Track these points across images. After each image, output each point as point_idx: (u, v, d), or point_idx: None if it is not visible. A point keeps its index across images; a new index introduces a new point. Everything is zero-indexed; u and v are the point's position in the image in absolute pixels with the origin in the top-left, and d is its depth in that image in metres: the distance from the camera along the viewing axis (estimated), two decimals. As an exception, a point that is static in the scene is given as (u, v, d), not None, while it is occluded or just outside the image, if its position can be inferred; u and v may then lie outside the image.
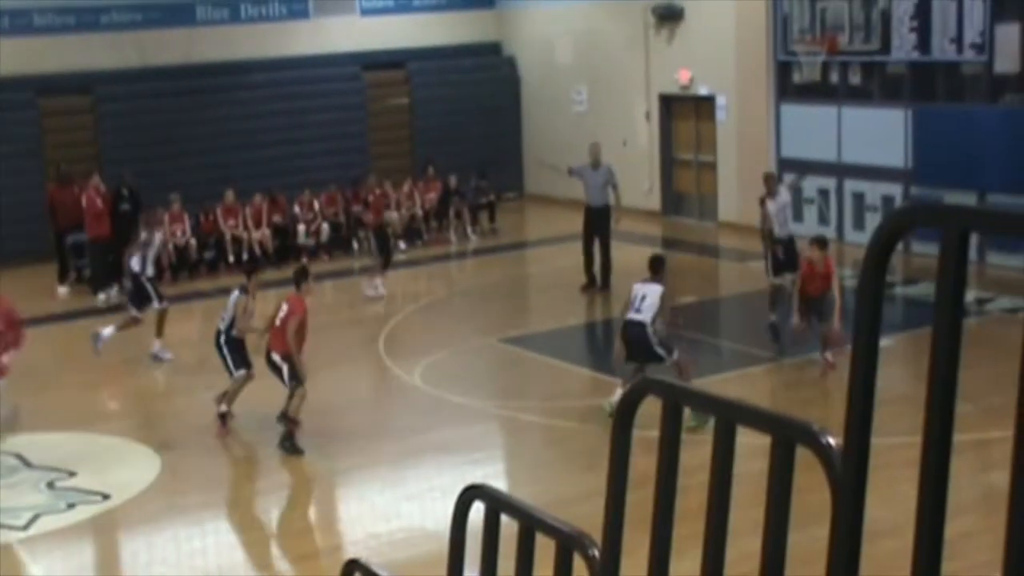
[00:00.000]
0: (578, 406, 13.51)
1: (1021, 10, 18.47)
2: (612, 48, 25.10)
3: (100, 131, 23.73)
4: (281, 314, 12.46)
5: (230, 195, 22.17)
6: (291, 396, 12.31)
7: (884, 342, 2.08)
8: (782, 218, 16.04)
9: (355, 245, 23.13)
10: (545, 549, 2.56)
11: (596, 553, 2.40)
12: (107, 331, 15.92)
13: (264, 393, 12.73)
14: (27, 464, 12.49)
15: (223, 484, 12.14)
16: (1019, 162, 17.98)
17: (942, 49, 19.27)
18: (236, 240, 22.13)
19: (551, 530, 2.54)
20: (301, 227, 22.65)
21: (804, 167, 21.73)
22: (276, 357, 12.41)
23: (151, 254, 16.51)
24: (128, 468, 12.27)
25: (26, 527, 10.93)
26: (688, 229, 23.72)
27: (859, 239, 20.37)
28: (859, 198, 20.92)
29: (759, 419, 2.04)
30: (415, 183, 24.28)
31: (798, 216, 22.04)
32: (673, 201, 24.77)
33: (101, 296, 20.22)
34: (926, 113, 19.60)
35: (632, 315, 12.62)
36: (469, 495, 2.84)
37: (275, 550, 10.91)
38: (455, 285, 21.06)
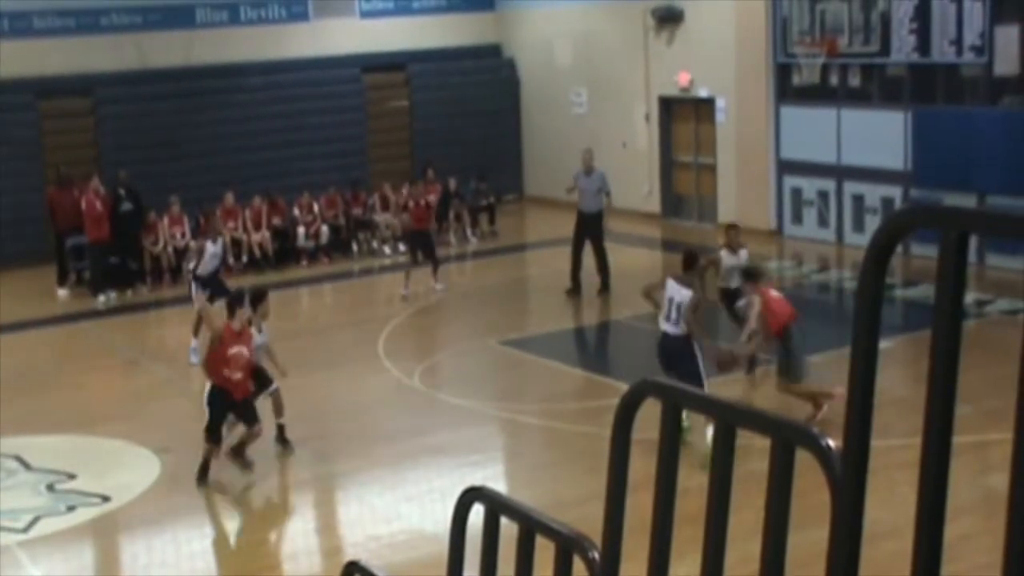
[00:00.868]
0: (577, 408, 13.51)
1: (1021, 12, 18.48)
2: (612, 50, 25.10)
3: (100, 133, 23.74)
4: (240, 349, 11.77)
5: (230, 197, 22.17)
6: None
7: (883, 344, 2.09)
8: (735, 273, 14.19)
9: (354, 247, 23.15)
10: (545, 551, 2.56)
11: (596, 555, 2.40)
12: (194, 342, 15.59)
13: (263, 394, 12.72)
14: (27, 466, 12.48)
15: (223, 487, 12.12)
16: (1018, 164, 17.98)
17: (942, 51, 19.28)
18: (235, 242, 22.13)
19: (551, 532, 2.54)
20: (301, 229, 22.65)
21: (803, 169, 21.75)
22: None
23: (206, 259, 16.04)
24: (128, 470, 12.26)
25: (26, 529, 10.92)
26: (687, 231, 23.71)
27: (859, 241, 20.37)
28: (859, 200, 20.93)
29: (759, 421, 2.04)
30: (415, 185, 24.26)
31: (798, 218, 22.07)
32: (672, 203, 24.77)
33: (101, 298, 20.24)
34: (926, 115, 19.60)
35: (665, 325, 11.81)
36: (469, 497, 2.84)
37: (275, 552, 10.90)
38: (454, 287, 21.03)
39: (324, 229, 22.83)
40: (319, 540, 11.02)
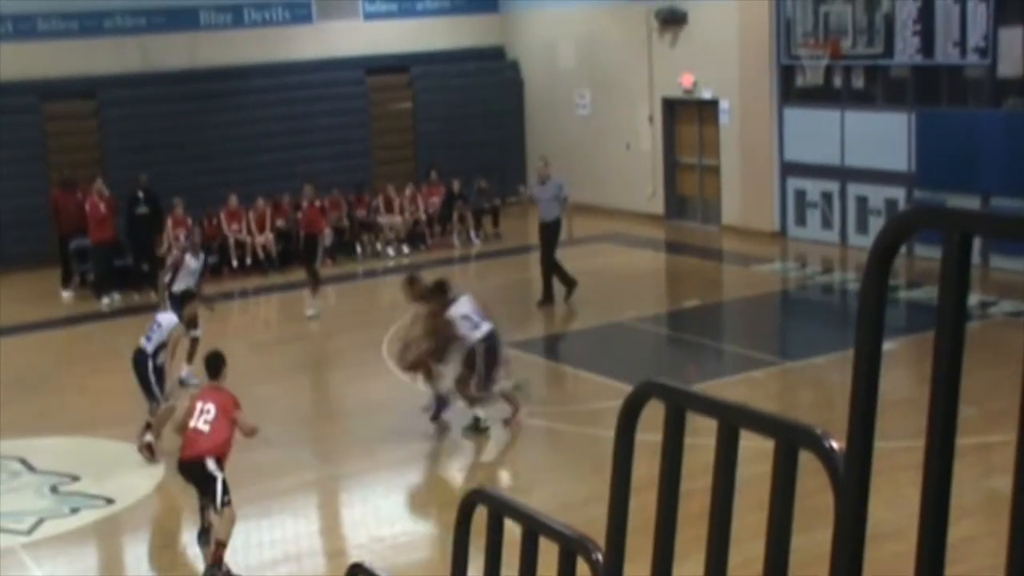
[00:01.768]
0: (582, 410, 13.50)
1: (1024, 14, 18.47)
2: (615, 52, 25.10)
3: (103, 135, 23.76)
4: (206, 416, 9.86)
5: (233, 199, 22.20)
6: (222, 515, 9.75)
7: (887, 345, 2.09)
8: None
9: (358, 249, 23.16)
10: (548, 553, 2.56)
11: (599, 557, 2.40)
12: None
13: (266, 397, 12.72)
14: (30, 468, 12.49)
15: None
16: (1022, 165, 17.96)
17: (945, 53, 19.27)
18: (239, 244, 22.15)
19: (554, 534, 2.54)
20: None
21: (807, 170, 21.74)
22: (211, 464, 9.72)
23: (182, 274, 15.18)
24: (132, 472, 12.27)
25: (30, 531, 10.93)
26: (691, 233, 23.72)
27: (862, 243, 20.36)
28: (862, 202, 20.92)
29: (762, 423, 2.04)
30: (418, 187, 24.29)
31: (802, 220, 22.06)
32: (676, 205, 24.77)
33: (105, 300, 20.27)
34: (929, 117, 19.59)
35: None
36: (472, 499, 2.84)
37: (278, 554, 10.90)
38: (458, 289, 21.05)
39: (328, 231, 22.81)
40: (322, 542, 11.03)
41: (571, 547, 2.48)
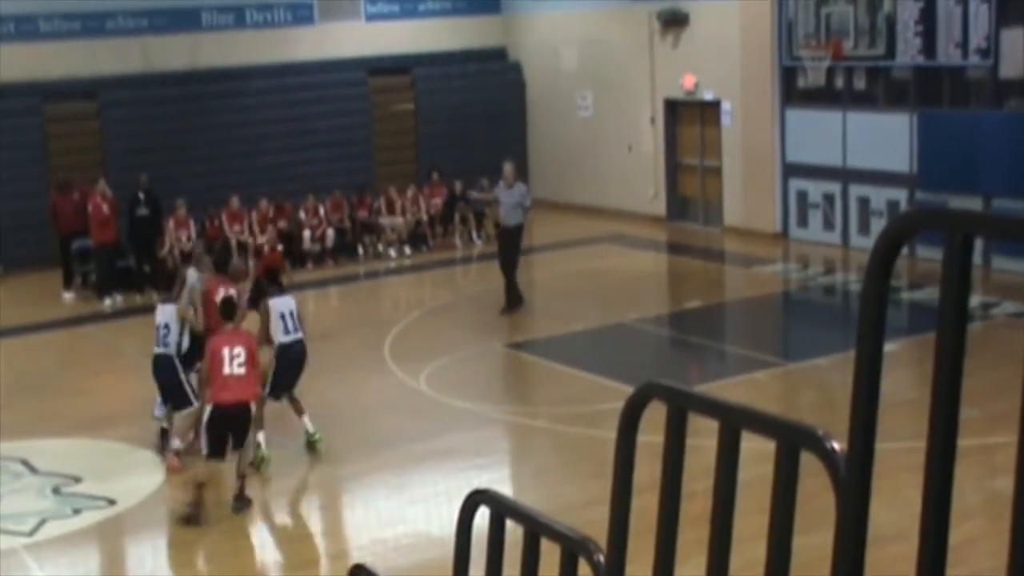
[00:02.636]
0: (584, 411, 13.50)
1: (1026, 15, 18.47)
2: (617, 53, 25.11)
3: (105, 137, 23.76)
4: (239, 360, 10.69)
5: (235, 201, 22.20)
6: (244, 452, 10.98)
7: (888, 347, 2.09)
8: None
9: (360, 250, 23.17)
10: (550, 554, 2.56)
11: (601, 558, 2.40)
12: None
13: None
14: (32, 470, 12.50)
15: (227, 490, 12.12)
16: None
17: (947, 54, 19.27)
18: (241, 246, 22.15)
19: (556, 535, 2.54)
20: (306, 233, 22.66)
21: (809, 171, 21.74)
22: (253, 408, 11.04)
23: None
24: (134, 474, 12.27)
25: (32, 533, 10.93)
26: (693, 234, 23.72)
27: (864, 244, 20.35)
28: (864, 203, 20.92)
29: (764, 424, 2.04)
30: (420, 188, 24.29)
31: (803, 221, 22.06)
32: (678, 206, 24.77)
33: (107, 301, 20.28)
34: (931, 118, 19.59)
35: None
36: (474, 500, 2.84)
37: (280, 555, 10.91)
38: (460, 290, 21.07)
39: (330, 232, 22.85)
40: (324, 543, 11.03)
41: (573, 548, 2.48)
